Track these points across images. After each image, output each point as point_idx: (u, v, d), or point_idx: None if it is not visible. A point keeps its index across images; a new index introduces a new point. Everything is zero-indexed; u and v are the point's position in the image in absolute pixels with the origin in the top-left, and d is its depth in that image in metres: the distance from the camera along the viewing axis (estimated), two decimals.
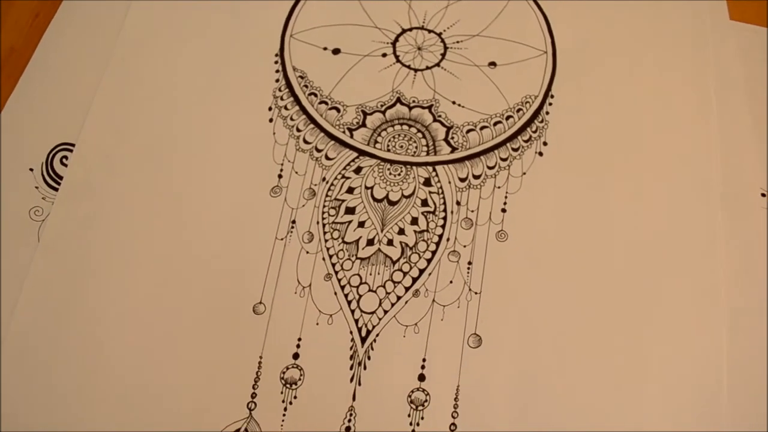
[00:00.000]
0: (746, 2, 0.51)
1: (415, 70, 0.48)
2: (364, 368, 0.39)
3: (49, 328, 0.40)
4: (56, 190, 0.44)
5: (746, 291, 0.42)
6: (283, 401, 0.38)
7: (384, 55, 0.49)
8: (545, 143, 0.46)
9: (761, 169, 0.45)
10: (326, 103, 0.47)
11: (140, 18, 0.49)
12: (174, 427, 0.37)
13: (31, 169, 0.44)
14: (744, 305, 0.41)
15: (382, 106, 0.47)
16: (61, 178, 0.44)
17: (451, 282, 0.41)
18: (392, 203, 0.44)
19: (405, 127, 0.46)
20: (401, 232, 0.43)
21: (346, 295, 0.41)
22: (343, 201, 0.44)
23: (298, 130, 0.46)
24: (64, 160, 0.45)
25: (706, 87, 0.48)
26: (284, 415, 0.38)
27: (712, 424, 0.38)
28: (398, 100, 0.47)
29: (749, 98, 0.47)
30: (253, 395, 0.38)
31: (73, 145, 0.45)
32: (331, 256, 0.42)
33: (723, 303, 0.41)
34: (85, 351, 0.39)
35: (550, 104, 0.47)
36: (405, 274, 0.42)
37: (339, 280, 0.41)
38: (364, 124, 0.46)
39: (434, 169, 0.45)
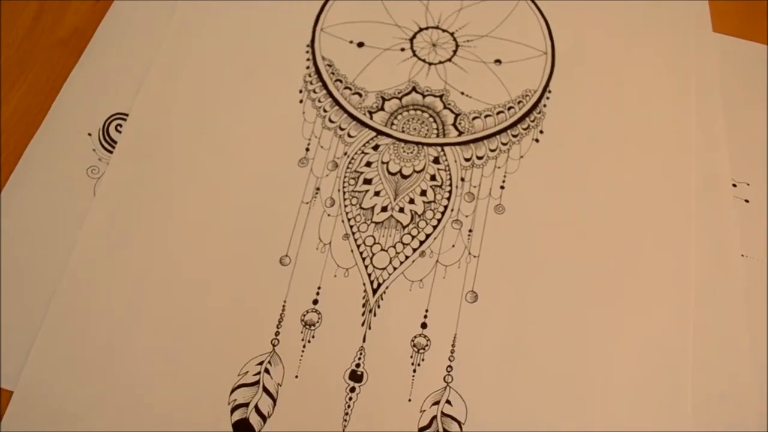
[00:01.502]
0: (728, 17, 0.57)
1: (430, 64, 0.54)
2: (374, 315, 0.44)
3: (102, 270, 0.45)
4: (111, 152, 0.49)
5: (715, 267, 0.47)
6: (303, 340, 0.43)
7: (402, 49, 0.55)
8: (542, 131, 0.51)
9: (733, 162, 0.51)
10: (350, 89, 0.53)
11: (189, 9, 0.55)
12: (208, 355, 0.43)
13: (90, 134, 0.50)
14: (712, 279, 0.46)
15: (399, 93, 0.53)
16: (115, 142, 0.50)
17: (453, 246, 0.47)
18: (405, 177, 0.49)
19: (418, 112, 0.52)
20: (411, 201, 0.48)
21: (361, 253, 0.46)
22: (362, 173, 0.49)
23: (325, 111, 0.52)
24: (118, 127, 0.50)
25: (687, 90, 0.53)
26: (303, 351, 0.43)
27: (678, 377, 0.43)
28: (413, 89, 0.53)
29: (725, 101, 0.53)
30: (277, 333, 0.44)
31: (126, 114, 0.51)
32: (349, 219, 0.48)
33: (692, 277, 0.46)
34: (134, 288, 0.44)
35: (548, 98, 0.53)
36: (413, 237, 0.47)
37: (355, 240, 0.47)
38: (382, 108, 0.52)
39: (443, 150, 0.50)
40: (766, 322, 0.45)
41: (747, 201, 0.50)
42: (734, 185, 0.50)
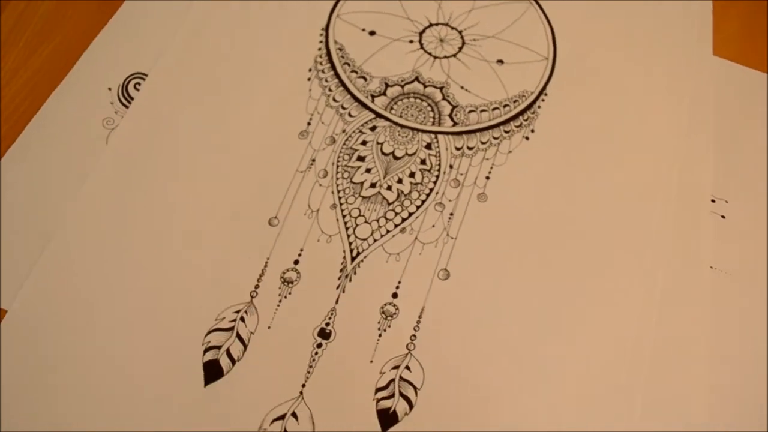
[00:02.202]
0: (729, 42, 0.59)
1: (435, 57, 0.57)
2: (350, 280, 0.47)
3: (105, 210, 0.48)
4: (127, 107, 0.53)
5: (683, 274, 0.48)
6: (279, 295, 0.46)
7: (411, 41, 0.58)
8: (533, 131, 0.54)
9: (716, 179, 0.53)
10: (356, 72, 0.56)
11: None
12: (190, 298, 0.45)
13: (110, 89, 0.54)
14: (679, 284, 0.48)
15: (402, 81, 0.56)
16: (132, 99, 0.53)
17: (433, 226, 0.49)
18: (397, 158, 0.52)
19: (418, 100, 0.55)
20: (399, 181, 0.51)
21: (345, 223, 0.49)
22: (357, 150, 0.52)
23: (330, 90, 0.55)
24: (137, 85, 0.54)
25: (680, 108, 0.55)
26: (278, 305, 0.46)
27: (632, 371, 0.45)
28: (416, 79, 0.56)
29: (716, 121, 0.55)
30: (256, 286, 0.46)
31: (146, 75, 0.55)
32: (339, 191, 0.50)
33: (659, 280, 0.48)
34: (132, 229, 0.48)
35: (543, 100, 0.55)
36: (396, 214, 0.50)
37: (342, 210, 0.49)
38: (384, 93, 0.55)
39: (436, 137, 0.53)
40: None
41: (723, 217, 0.51)
42: (713, 200, 0.52)
